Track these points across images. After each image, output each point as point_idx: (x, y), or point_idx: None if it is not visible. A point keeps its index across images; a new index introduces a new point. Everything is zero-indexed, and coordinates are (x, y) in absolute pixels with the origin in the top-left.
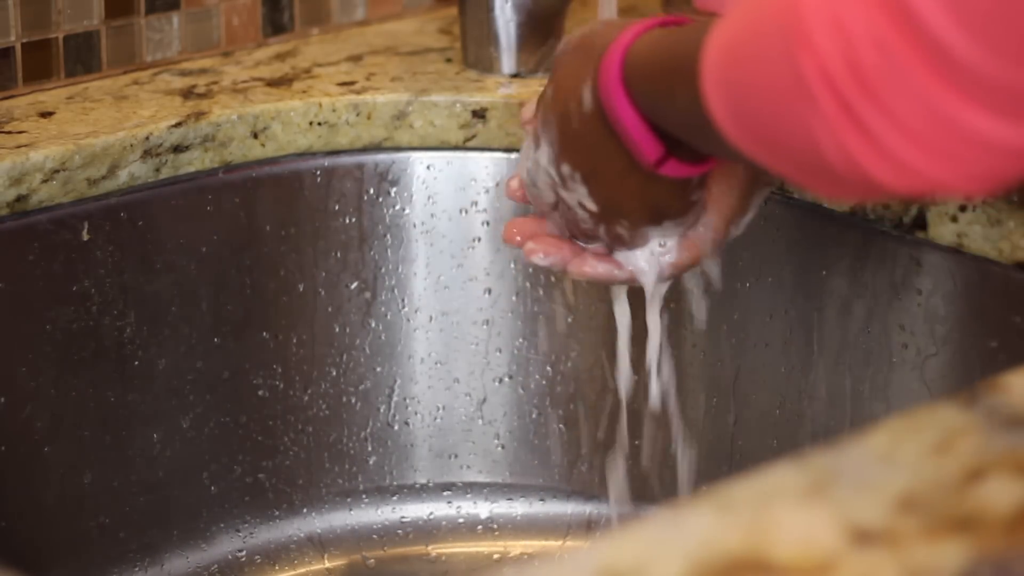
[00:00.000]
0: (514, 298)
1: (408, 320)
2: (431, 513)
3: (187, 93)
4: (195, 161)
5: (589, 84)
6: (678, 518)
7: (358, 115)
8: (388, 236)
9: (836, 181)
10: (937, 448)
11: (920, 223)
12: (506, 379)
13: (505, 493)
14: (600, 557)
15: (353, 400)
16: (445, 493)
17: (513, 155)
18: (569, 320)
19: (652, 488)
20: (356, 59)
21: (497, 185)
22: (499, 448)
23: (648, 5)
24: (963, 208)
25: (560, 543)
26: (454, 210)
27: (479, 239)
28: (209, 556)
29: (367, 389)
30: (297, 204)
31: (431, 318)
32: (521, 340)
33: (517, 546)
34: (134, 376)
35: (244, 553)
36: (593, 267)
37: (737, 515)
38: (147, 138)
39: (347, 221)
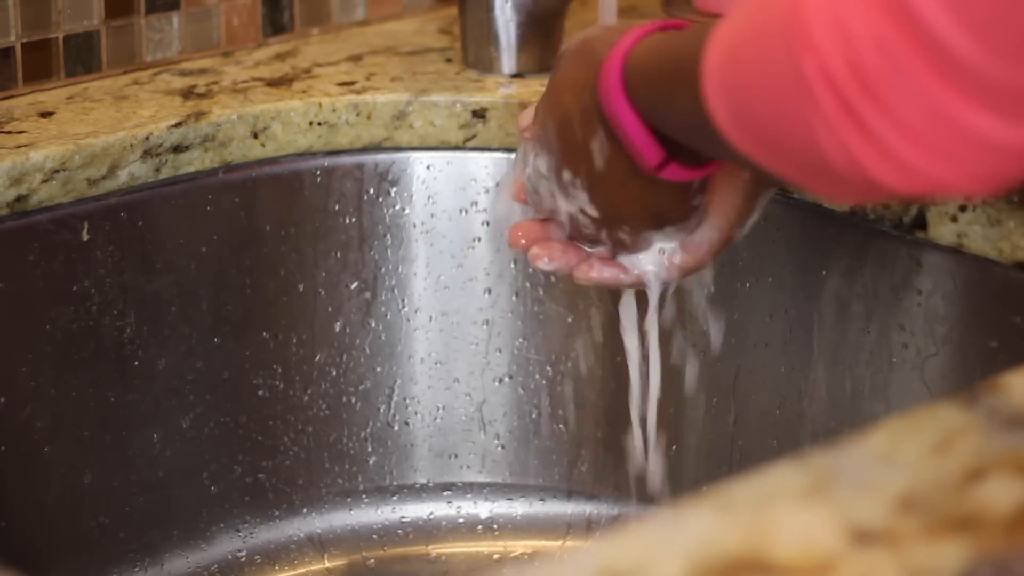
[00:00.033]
0: (514, 298)
1: (408, 320)
2: (431, 513)
3: (187, 93)
4: (195, 161)
5: (589, 89)
6: (678, 518)
7: (358, 115)
8: (388, 236)
9: (837, 182)
10: (937, 448)
11: (920, 223)
12: (506, 379)
13: (505, 493)
14: (600, 557)
15: (353, 400)
16: (445, 493)
17: (513, 155)
18: (569, 320)
19: (652, 488)
20: (356, 59)
21: (497, 185)
22: (499, 448)
23: (648, 5)
24: (963, 208)
25: (560, 543)
26: (454, 210)
27: (479, 239)
28: (209, 556)
29: (367, 389)
30: (297, 204)
31: (431, 318)
32: (521, 340)
33: (517, 546)
34: (134, 376)
35: (244, 553)
36: (599, 272)
37: (737, 515)
38: (147, 138)
39: (347, 221)
